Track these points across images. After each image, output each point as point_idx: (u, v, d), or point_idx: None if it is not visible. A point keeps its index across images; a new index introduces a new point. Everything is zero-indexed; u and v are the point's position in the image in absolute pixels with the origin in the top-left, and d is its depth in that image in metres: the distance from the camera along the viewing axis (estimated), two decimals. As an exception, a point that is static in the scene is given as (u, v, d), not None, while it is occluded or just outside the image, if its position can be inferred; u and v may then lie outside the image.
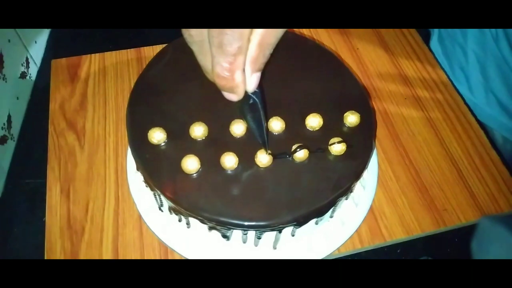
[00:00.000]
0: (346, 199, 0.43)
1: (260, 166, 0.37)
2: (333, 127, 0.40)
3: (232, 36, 0.26)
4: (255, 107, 0.33)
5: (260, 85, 0.32)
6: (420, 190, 0.49)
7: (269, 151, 0.37)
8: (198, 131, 0.39)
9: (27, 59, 0.61)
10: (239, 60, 0.28)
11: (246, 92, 0.31)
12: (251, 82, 0.30)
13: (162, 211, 0.43)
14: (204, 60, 0.30)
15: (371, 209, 0.46)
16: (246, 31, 0.27)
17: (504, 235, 0.30)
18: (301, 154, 0.38)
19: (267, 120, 0.36)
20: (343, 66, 0.46)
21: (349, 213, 0.44)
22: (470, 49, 0.58)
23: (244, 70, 0.29)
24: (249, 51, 0.28)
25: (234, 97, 0.31)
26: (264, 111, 0.35)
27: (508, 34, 0.51)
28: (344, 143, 0.38)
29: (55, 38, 0.67)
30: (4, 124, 0.53)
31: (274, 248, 0.42)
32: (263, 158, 0.37)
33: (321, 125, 0.40)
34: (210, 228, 0.39)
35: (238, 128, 0.39)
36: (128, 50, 0.60)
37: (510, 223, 0.31)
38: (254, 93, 0.32)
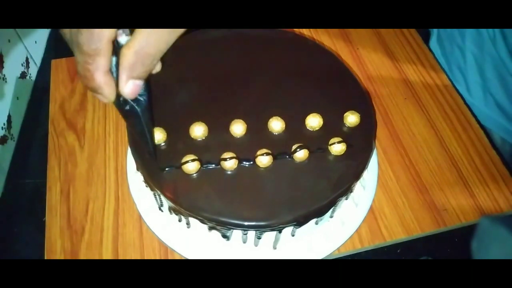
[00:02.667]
0: (346, 199, 0.43)
1: (260, 166, 0.37)
2: (333, 127, 0.40)
3: (86, 37, 0.26)
4: (136, 114, 0.32)
5: (149, 92, 0.31)
6: (420, 190, 0.49)
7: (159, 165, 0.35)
8: (198, 131, 0.39)
9: (27, 59, 0.61)
10: (99, 61, 0.27)
11: (124, 100, 0.30)
12: (127, 88, 0.29)
13: (162, 211, 0.43)
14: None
15: (371, 209, 0.46)
16: (106, 33, 0.26)
17: (504, 235, 0.30)
18: (301, 154, 0.38)
19: (151, 130, 0.35)
20: (343, 66, 0.46)
21: (349, 213, 0.44)
22: (468, 50, 0.58)
23: (109, 72, 0.28)
24: (124, 56, 0.28)
25: (101, 98, 0.29)
26: (151, 120, 0.33)
27: (505, 35, 0.51)
28: (344, 143, 0.38)
29: (55, 38, 0.67)
30: (4, 124, 0.53)
31: (274, 248, 0.42)
32: (263, 158, 0.37)
33: (321, 125, 0.40)
34: (210, 228, 0.39)
35: (238, 128, 0.39)
36: (128, 50, 0.59)
37: (510, 223, 0.31)
38: (136, 100, 0.31)
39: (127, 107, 0.31)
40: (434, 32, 0.65)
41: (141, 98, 0.31)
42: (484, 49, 0.55)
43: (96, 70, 0.27)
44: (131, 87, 0.29)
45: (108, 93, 0.29)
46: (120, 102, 0.30)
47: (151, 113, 0.33)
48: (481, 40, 0.55)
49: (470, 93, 0.59)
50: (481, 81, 0.57)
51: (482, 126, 0.56)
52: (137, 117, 0.32)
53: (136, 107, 0.31)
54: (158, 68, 0.33)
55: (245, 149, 0.38)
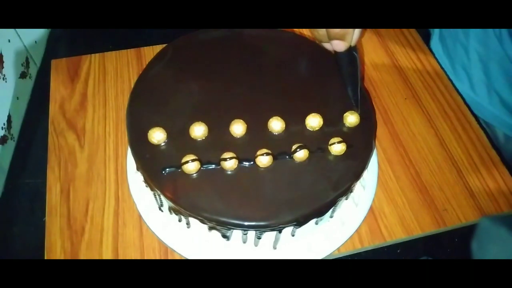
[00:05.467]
0: (346, 199, 0.43)
1: (260, 166, 0.37)
2: (333, 127, 0.40)
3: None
4: (354, 63, 0.42)
5: (357, 49, 0.42)
6: (420, 190, 0.49)
7: (358, 111, 0.41)
8: (198, 131, 0.39)
9: (27, 59, 0.61)
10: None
11: (349, 48, 0.41)
12: (356, 34, 0.40)
13: (162, 211, 0.43)
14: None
15: (371, 209, 0.46)
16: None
17: (504, 235, 0.30)
18: (301, 154, 0.38)
19: (361, 76, 0.44)
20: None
21: (349, 213, 0.44)
22: (472, 48, 0.58)
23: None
24: None
25: (342, 45, 0.41)
26: (360, 71, 0.42)
27: (511, 32, 0.51)
28: (344, 143, 0.38)
29: (55, 38, 0.67)
30: (4, 124, 0.53)
31: (274, 248, 0.42)
32: (263, 158, 0.37)
33: (321, 125, 0.40)
34: (210, 228, 0.39)
35: (238, 128, 0.39)
36: (128, 50, 0.60)
37: (510, 223, 0.31)
38: (354, 49, 0.42)
39: (350, 55, 0.42)
40: (436, 31, 0.65)
41: (356, 52, 0.42)
42: (489, 47, 0.55)
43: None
44: (357, 34, 0.41)
45: (350, 39, 0.40)
46: (347, 52, 0.42)
47: (359, 63, 0.43)
48: (486, 37, 0.55)
49: (474, 90, 0.59)
50: (485, 79, 0.57)
51: (482, 125, 0.56)
52: (355, 66, 0.42)
53: (356, 54, 0.42)
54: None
55: (245, 149, 0.38)
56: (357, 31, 0.40)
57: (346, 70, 0.43)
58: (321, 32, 0.41)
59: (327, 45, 0.44)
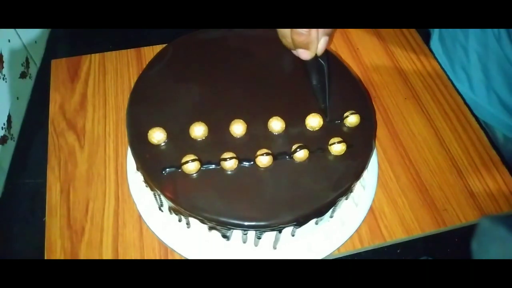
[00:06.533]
0: (346, 199, 0.43)
1: (260, 166, 0.37)
2: (333, 127, 0.40)
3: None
4: (322, 70, 0.41)
5: (327, 53, 0.41)
6: (420, 190, 0.49)
7: (327, 119, 0.41)
8: (198, 131, 0.39)
9: (27, 59, 0.61)
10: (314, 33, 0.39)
11: (315, 56, 0.40)
12: (321, 44, 0.40)
13: (162, 211, 0.43)
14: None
15: (371, 209, 0.46)
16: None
17: (504, 235, 0.30)
18: (301, 154, 0.38)
19: (329, 88, 0.42)
20: (343, 66, 0.46)
21: (349, 213, 0.44)
22: (471, 48, 0.58)
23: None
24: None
25: (307, 54, 0.40)
26: (329, 77, 0.41)
27: (510, 33, 0.51)
28: (344, 143, 0.38)
29: (55, 38, 0.67)
30: (4, 124, 0.53)
31: (274, 248, 0.42)
32: (263, 158, 0.37)
33: (321, 125, 0.40)
34: (210, 228, 0.39)
35: (238, 128, 0.39)
36: (128, 50, 0.60)
37: (510, 223, 0.31)
38: (322, 57, 0.41)
39: (319, 62, 0.41)
40: (435, 31, 0.65)
41: (325, 57, 0.41)
42: (488, 47, 0.55)
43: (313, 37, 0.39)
44: (323, 43, 0.40)
45: (315, 48, 0.40)
46: (313, 59, 0.41)
47: (329, 70, 0.42)
48: (486, 38, 0.55)
49: (473, 91, 0.59)
50: (484, 79, 0.57)
51: (482, 125, 0.56)
52: (323, 73, 0.41)
53: (323, 62, 0.41)
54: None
55: (245, 149, 0.38)
56: (322, 40, 0.40)
57: (314, 78, 0.42)
58: (288, 39, 0.41)
59: (295, 53, 0.43)
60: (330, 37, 0.41)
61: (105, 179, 0.48)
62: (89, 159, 0.49)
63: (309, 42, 0.39)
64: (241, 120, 0.39)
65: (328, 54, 0.42)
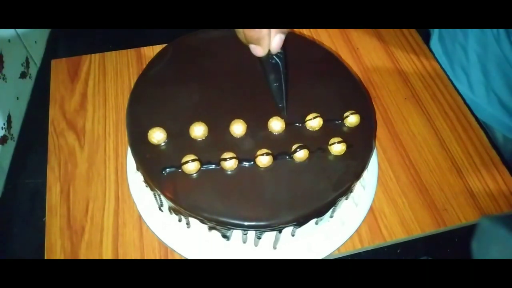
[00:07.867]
0: (346, 199, 0.43)
1: (260, 166, 0.37)
2: (333, 127, 0.40)
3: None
4: (277, 68, 0.39)
5: (284, 49, 0.38)
6: (420, 190, 0.49)
7: (284, 118, 0.40)
8: (198, 131, 0.39)
9: (27, 59, 0.61)
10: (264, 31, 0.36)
11: (270, 53, 0.38)
12: (274, 41, 0.37)
13: (162, 211, 0.43)
14: None
15: (371, 209, 0.46)
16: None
17: (504, 235, 0.30)
18: (301, 154, 0.38)
19: (287, 86, 0.40)
20: (343, 66, 0.46)
21: (349, 213, 0.44)
22: (471, 48, 0.58)
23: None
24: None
25: (259, 50, 0.37)
26: (286, 76, 0.40)
27: (510, 34, 0.51)
28: (344, 143, 0.38)
29: (55, 38, 0.67)
30: (4, 124, 0.53)
31: (274, 248, 0.42)
32: (263, 158, 0.37)
33: (321, 125, 0.40)
34: (210, 228, 0.39)
35: (238, 128, 0.39)
36: (128, 50, 0.60)
37: (510, 223, 0.31)
38: (277, 55, 0.38)
39: (273, 61, 0.39)
40: (435, 31, 0.65)
41: (281, 54, 0.38)
42: (487, 47, 0.55)
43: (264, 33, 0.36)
44: (277, 41, 0.37)
45: (266, 45, 0.37)
46: (267, 56, 0.38)
47: (286, 68, 0.40)
48: (485, 38, 0.55)
49: (473, 91, 0.59)
50: (484, 79, 0.57)
51: (482, 125, 0.56)
52: (279, 72, 0.39)
53: (278, 60, 0.39)
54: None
55: (245, 149, 0.38)
56: (277, 38, 0.37)
57: (269, 76, 0.40)
58: (241, 34, 0.38)
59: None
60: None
61: (105, 179, 0.48)
62: (89, 159, 0.49)
63: (259, 38, 0.36)
64: (241, 120, 0.39)
65: (285, 52, 0.39)
